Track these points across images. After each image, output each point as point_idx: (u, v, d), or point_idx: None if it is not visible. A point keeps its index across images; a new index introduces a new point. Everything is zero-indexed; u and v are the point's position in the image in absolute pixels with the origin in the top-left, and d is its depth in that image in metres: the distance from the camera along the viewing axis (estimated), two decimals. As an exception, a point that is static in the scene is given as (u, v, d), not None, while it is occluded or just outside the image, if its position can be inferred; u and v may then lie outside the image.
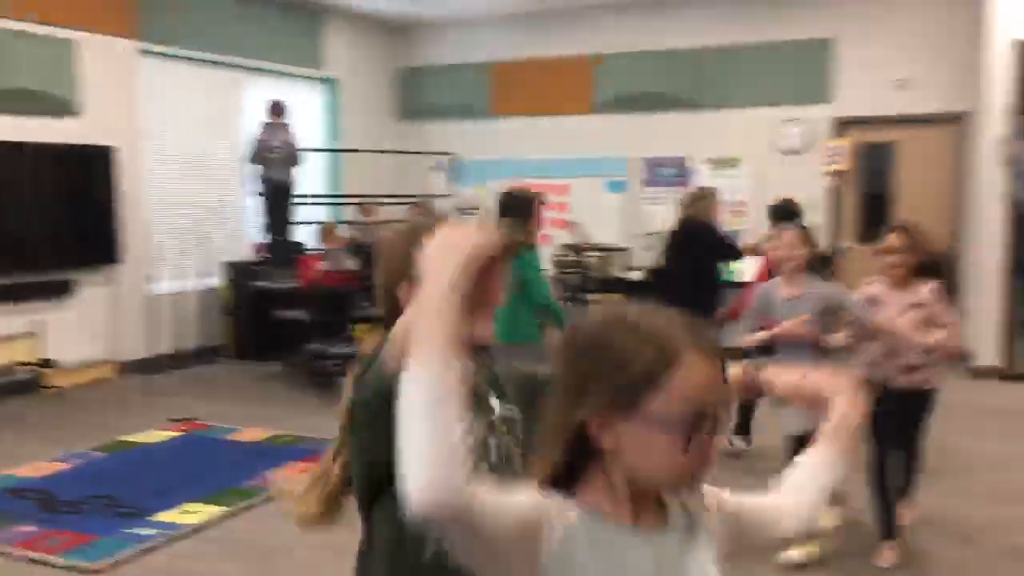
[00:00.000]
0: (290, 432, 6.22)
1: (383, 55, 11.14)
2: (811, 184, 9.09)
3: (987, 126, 7.75)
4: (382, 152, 10.45)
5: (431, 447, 1.04)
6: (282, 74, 9.81)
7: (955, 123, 8.70)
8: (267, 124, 8.84)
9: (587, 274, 8.94)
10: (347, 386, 1.80)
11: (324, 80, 10.44)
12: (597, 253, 9.27)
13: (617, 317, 1.21)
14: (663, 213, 9.91)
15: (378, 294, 1.83)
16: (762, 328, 4.20)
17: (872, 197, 9.16)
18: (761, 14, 9.38)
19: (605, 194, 10.17)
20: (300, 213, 9.22)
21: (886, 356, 3.89)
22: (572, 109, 10.28)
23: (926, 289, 3.92)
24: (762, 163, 9.42)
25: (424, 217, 1.74)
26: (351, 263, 8.00)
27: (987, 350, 7.73)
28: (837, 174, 9.14)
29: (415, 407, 1.06)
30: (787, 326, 4.00)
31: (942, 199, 8.79)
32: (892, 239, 3.95)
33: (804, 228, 4.50)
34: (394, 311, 1.74)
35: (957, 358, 5.61)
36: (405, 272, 1.69)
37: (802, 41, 9.23)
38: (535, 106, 10.47)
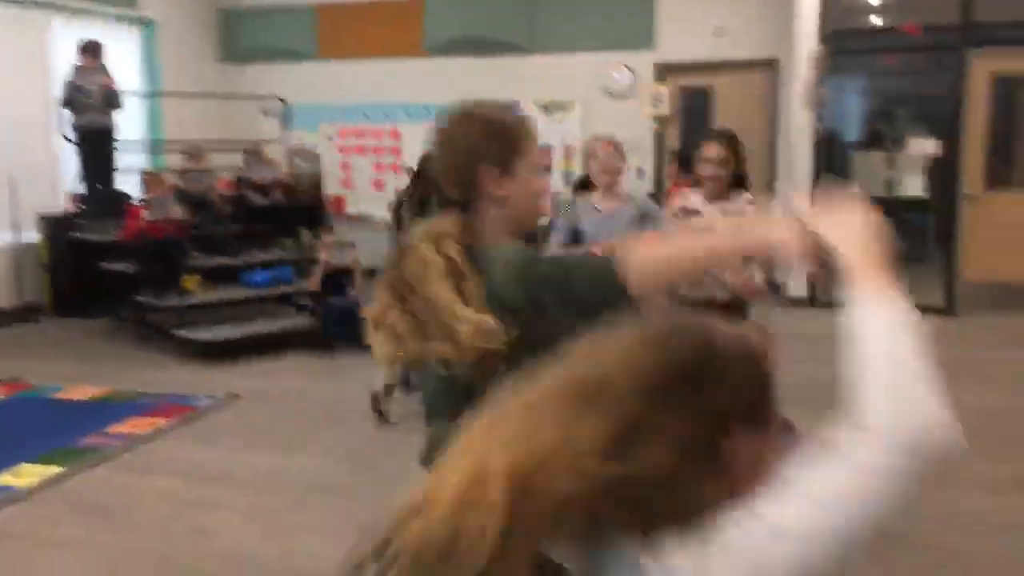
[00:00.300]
0: (126, 388, 6.02)
1: (202, -6, 10.65)
2: (637, 127, 9.48)
3: (795, 71, 8.26)
4: (205, 96, 10.04)
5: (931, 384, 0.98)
6: (94, 14, 9.22)
7: (768, 69, 9.23)
8: (80, 67, 8.30)
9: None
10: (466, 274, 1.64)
11: (140, 21, 9.87)
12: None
13: None
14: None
15: (447, 178, 1.78)
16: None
17: (694, 139, 9.60)
18: (587, -41, 9.56)
19: (439, 138, 10.17)
20: (121, 161, 8.75)
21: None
22: (402, 52, 10.19)
23: (743, 199, 3.75)
24: (590, 107, 9.69)
25: (487, 109, 1.67)
26: (178, 212, 7.71)
27: (798, 282, 8.32)
28: (660, 118, 9.52)
29: (907, 342, 1.01)
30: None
31: (758, 140, 9.33)
32: (712, 148, 3.73)
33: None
34: (471, 194, 1.74)
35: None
36: (483, 155, 1.72)
37: (627, -13, 9.49)
38: (364, 49, 10.31)
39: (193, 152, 8.71)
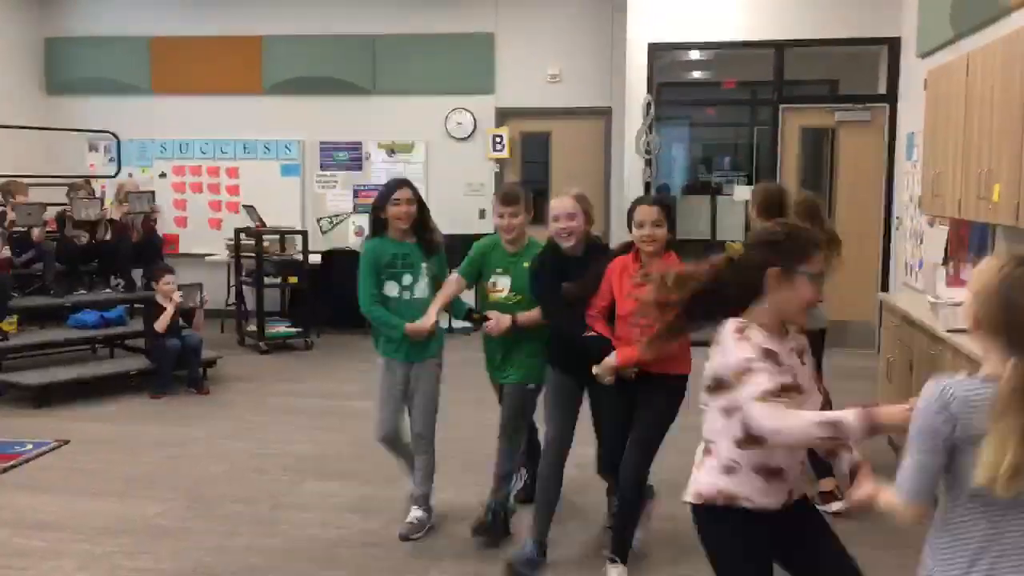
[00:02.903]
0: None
1: (25, 22, 10.16)
2: (479, 169, 9.76)
3: (628, 120, 8.72)
4: (25, 128, 9.51)
5: None
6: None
7: (601, 116, 9.69)
8: None
9: (264, 258, 8.81)
10: None
11: (-46, 46, 9.33)
12: (273, 236, 9.16)
13: None
14: (339, 196, 10.08)
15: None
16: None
17: (533, 182, 9.95)
18: (429, 5, 9.78)
19: (279, 177, 10.08)
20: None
21: None
22: (241, 89, 10.06)
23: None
24: (433, 149, 9.88)
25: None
26: (4, 250, 7.27)
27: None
28: (501, 160, 9.80)
29: None
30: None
31: (592, 185, 9.74)
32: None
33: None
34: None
35: None
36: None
37: (468, 35, 9.76)
38: (201, 85, 10.11)
39: (9, 188, 8.21)
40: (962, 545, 1.88)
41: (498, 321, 4.02)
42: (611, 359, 3.56)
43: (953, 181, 5.15)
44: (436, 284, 4.23)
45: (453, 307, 4.30)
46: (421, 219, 4.18)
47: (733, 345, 2.26)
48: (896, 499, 1.92)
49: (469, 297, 4.55)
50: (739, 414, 2.22)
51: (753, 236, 2.62)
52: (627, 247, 3.80)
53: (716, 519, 2.38)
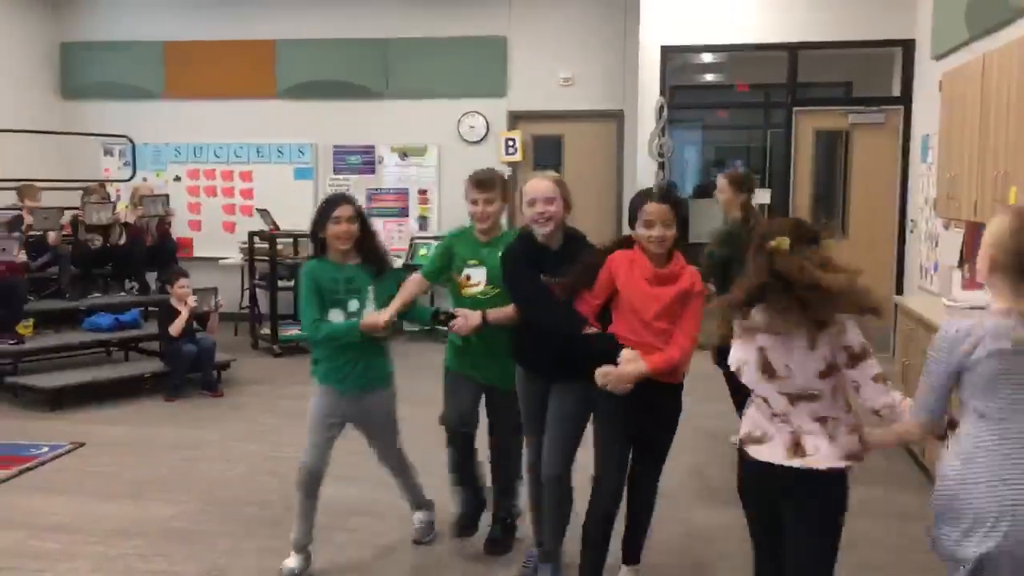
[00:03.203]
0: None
1: (41, 27, 10.23)
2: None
3: (640, 122, 8.71)
4: (42, 133, 9.57)
5: None
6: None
7: (613, 119, 9.68)
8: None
9: (277, 261, 8.83)
10: None
11: (-29, 51, 9.40)
12: (287, 239, 9.19)
13: None
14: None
15: None
16: None
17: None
18: (442, 9, 9.80)
19: (292, 181, 10.11)
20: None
21: None
22: (254, 93, 10.10)
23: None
24: (445, 152, 9.89)
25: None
26: (15, 252, 7.31)
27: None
28: (514, 163, 9.80)
29: None
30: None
31: (605, 188, 9.74)
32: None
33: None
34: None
35: None
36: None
37: (480, 38, 9.77)
38: (215, 89, 10.16)
39: (26, 190, 8.28)
40: (971, 449, 2.38)
41: (467, 318, 3.64)
42: (634, 366, 3.12)
43: (969, 184, 5.13)
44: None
45: (416, 313, 3.93)
46: (364, 237, 3.78)
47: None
48: (910, 421, 2.50)
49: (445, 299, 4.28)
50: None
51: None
52: (622, 243, 3.36)
53: (845, 482, 2.65)
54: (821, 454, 2.60)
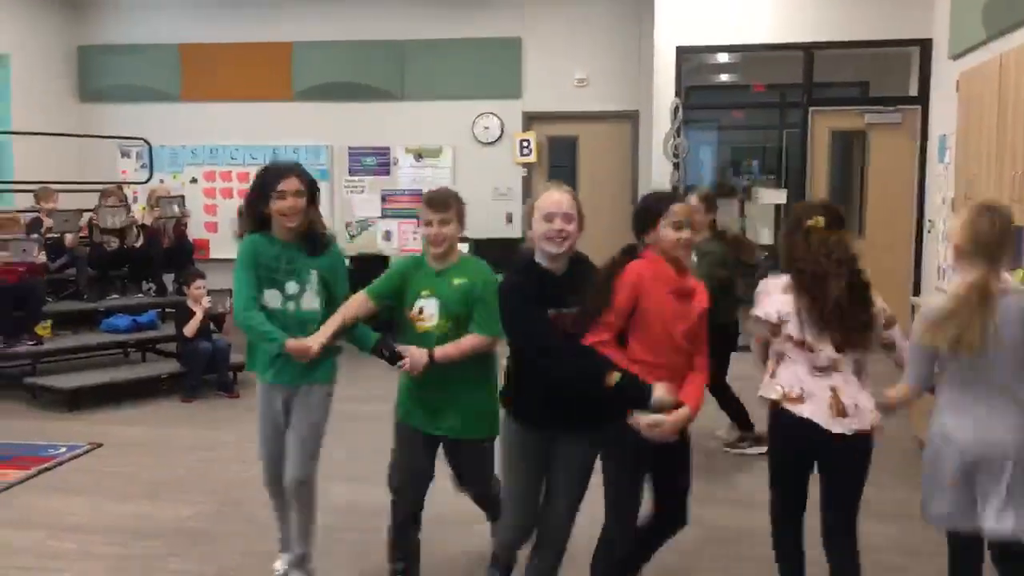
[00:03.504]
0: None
1: (59, 31, 10.31)
2: (506, 174, 9.78)
3: (655, 123, 8.69)
4: (60, 135, 9.66)
5: None
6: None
7: (628, 120, 9.67)
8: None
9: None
10: None
11: (-9, 55, 9.49)
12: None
13: None
14: (367, 202, 10.14)
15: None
16: None
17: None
18: (457, 10, 9.82)
19: (308, 182, 10.12)
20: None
21: None
22: (271, 95, 10.15)
23: None
24: (460, 154, 9.90)
25: None
26: (35, 254, 7.37)
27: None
28: (529, 164, 9.81)
29: None
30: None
31: (620, 189, 9.72)
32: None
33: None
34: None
35: None
36: None
37: (495, 39, 9.78)
38: (231, 91, 10.21)
39: (44, 192, 8.34)
40: (947, 399, 2.89)
41: (413, 357, 3.21)
42: (685, 412, 2.87)
43: (987, 184, 5.09)
44: (330, 297, 3.48)
45: (358, 337, 3.45)
46: (309, 214, 3.41)
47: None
48: (902, 386, 2.96)
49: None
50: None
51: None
52: (627, 254, 3.05)
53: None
54: (861, 411, 2.90)
